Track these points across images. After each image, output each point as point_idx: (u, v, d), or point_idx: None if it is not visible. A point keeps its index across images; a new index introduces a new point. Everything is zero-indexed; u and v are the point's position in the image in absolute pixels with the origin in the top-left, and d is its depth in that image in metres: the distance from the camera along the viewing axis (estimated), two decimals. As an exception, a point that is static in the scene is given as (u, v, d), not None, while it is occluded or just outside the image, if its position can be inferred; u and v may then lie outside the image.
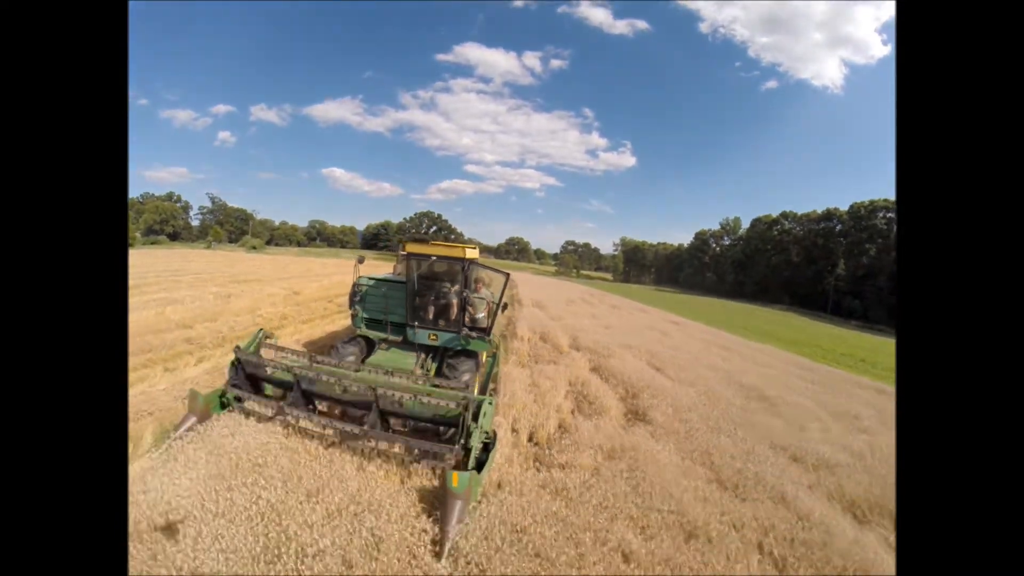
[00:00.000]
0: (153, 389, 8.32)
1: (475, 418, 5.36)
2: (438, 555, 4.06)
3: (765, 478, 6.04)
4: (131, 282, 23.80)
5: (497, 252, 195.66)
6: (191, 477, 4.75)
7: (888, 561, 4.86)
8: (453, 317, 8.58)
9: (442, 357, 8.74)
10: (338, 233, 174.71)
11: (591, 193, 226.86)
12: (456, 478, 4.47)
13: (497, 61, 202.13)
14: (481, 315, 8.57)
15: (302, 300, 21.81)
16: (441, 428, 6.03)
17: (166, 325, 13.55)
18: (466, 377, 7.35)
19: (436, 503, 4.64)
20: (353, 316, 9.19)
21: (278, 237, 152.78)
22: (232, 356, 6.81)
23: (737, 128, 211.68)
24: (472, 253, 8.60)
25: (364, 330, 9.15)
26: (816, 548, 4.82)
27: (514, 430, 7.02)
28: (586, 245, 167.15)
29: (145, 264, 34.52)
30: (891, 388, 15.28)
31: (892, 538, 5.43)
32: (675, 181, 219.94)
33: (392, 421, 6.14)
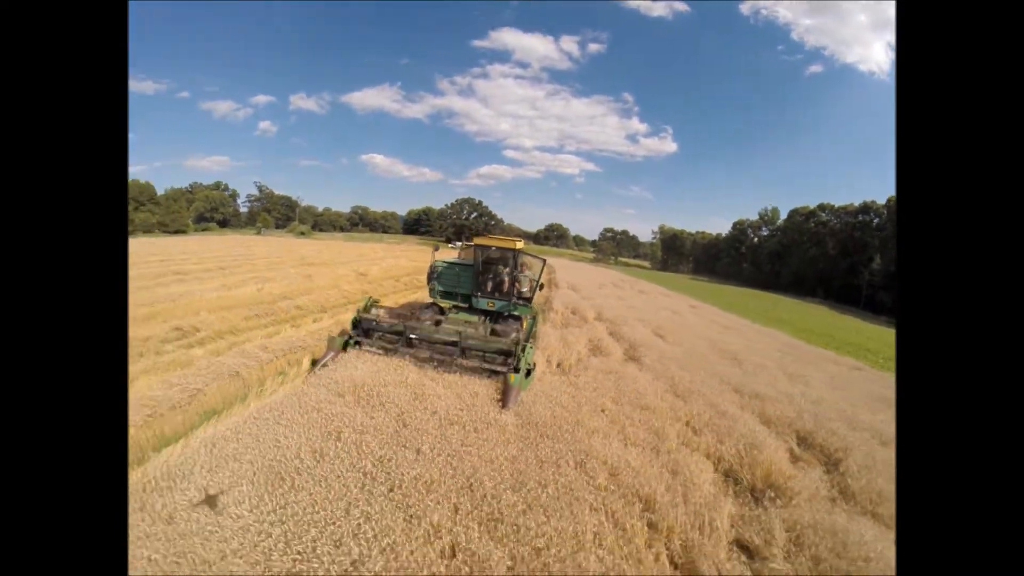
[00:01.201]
0: (294, 336, 12.13)
1: (522, 351, 8.87)
2: (503, 407, 7.63)
3: (705, 394, 9.43)
4: (218, 264, 28.17)
5: (536, 238, 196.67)
6: (361, 372, 8.46)
7: (771, 442, 8.08)
8: (505, 290, 12.14)
9: (495, 319, 12.34)
10: (380, 218, 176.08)
11: (631, 179, 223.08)
12: (512, 377, 8.02)
13: (534, 46, 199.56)
14: (525, 289, 12.13)
15: (371, 280, 25.84)
16: (500, 359, 9.52)
17: (271, 298, 17.48)
18: (515, 327, 10.87)
19: (501, 392, 8.23)
20: (431, 289, 12.82)
21: (322, 223, 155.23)
22: (340, 317, 10.38)
23: (782, 113, 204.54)
24: (520, 244, 12.11)
25: (439, 299, 12.80)
26: (722, 428, 8.11)
27: (547, 361, 10.66)
28: (624, 233, 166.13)
29: (216, 249, 39.30)
30: (870, 368, 17.69)
31: (790, 441, 8.59)
32: (717, 167, 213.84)
33: (469, 354, 9.66)
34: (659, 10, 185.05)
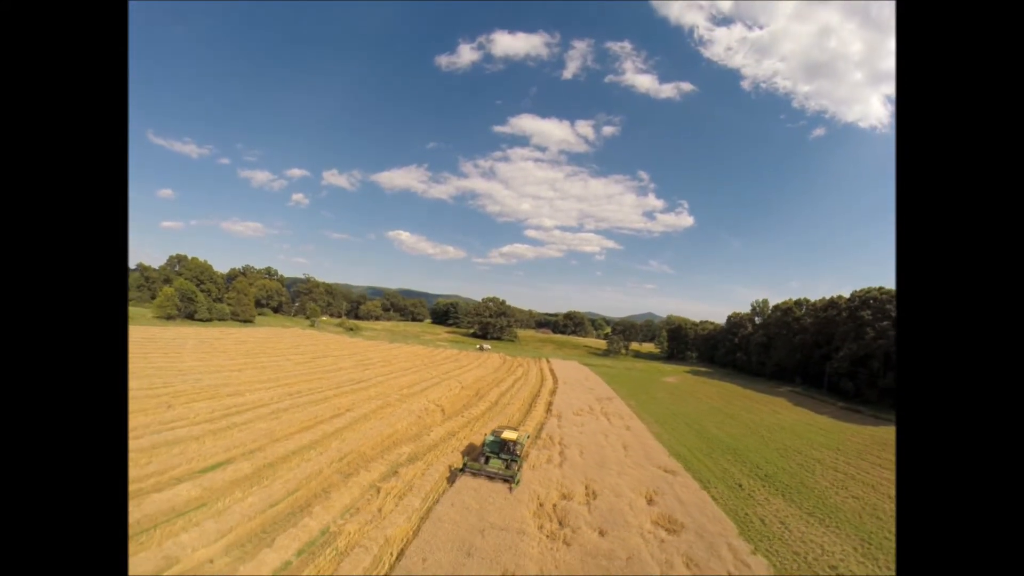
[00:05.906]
0: (439, 468, 31.89)
1: (516, 475, 28.36)
2: (510, 491, 27.06)
3: (573, 478, 28.95)
4: (344, 389, 47.77)
5: (555, 326, 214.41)
6: (475, 484, 28.36)
7: (580, 489, 27.51)
8: (512, 451, 31.21)
9: (507, 461, 31.68)
10: (410, 305, 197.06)
11: (650, 254, 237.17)
12: (512, 487, 27.33)
13: (551, 131, 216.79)
14: (519, 451, 31.42)
15: (448, 414, 44.28)
16: (508, 478, 28.67)
17: (412, 435, 37.05)
18: (515, 466, 30.16)
19: (509, 488, 27.61)
20: (483, 449, 31.93)
21: (361, 312, 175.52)
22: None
23: (791, 180, 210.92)
24: (516, 436, 31.42)
25: (488, 452, 31.83)
26: (567, 485, 27.59)
27: (528, 464, 30.27)
28: (633, 325, 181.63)
29: (316, 361, 59.34)
30: (685, 476, 36.63)
31: (586, 488, 27.94)
32: (734, 238, 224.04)
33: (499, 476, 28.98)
34: (667, 92, 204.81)
